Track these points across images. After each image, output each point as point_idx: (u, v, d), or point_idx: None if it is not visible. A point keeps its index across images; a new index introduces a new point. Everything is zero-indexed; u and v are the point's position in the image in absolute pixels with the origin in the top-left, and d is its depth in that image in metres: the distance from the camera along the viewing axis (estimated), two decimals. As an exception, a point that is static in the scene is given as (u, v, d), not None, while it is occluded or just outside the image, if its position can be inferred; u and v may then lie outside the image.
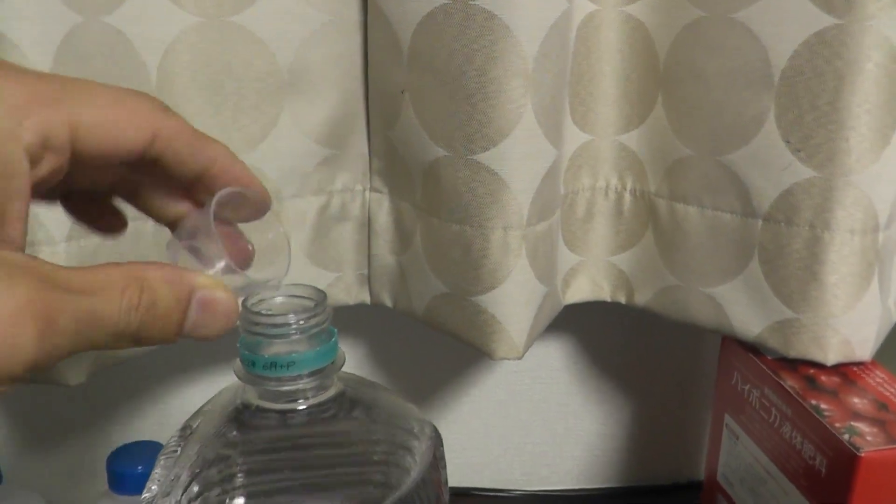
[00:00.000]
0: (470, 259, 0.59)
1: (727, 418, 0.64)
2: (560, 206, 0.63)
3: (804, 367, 0.59)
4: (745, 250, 0.59)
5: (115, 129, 0.35)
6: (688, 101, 0.59)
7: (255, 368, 0.37)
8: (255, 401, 0.39)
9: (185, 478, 0.37)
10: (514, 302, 0.59)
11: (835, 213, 0.55)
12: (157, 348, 0.61)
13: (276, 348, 0.37)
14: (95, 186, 0.39)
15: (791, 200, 0.56)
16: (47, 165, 0.33)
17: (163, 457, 0.40)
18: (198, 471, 0.37)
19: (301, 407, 0.39)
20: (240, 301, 0.36)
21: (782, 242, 0.57)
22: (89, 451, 0.75)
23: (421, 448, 0.40)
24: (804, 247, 0.56)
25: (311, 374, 0.38)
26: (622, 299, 0.67)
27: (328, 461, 0.39)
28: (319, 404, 0.39)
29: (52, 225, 0.54)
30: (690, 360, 0.79)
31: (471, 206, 0.57)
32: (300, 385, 0.38)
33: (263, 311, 0.38)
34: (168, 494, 0.37)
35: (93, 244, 0.56)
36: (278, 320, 0.37)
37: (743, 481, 0.62)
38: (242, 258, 0.39)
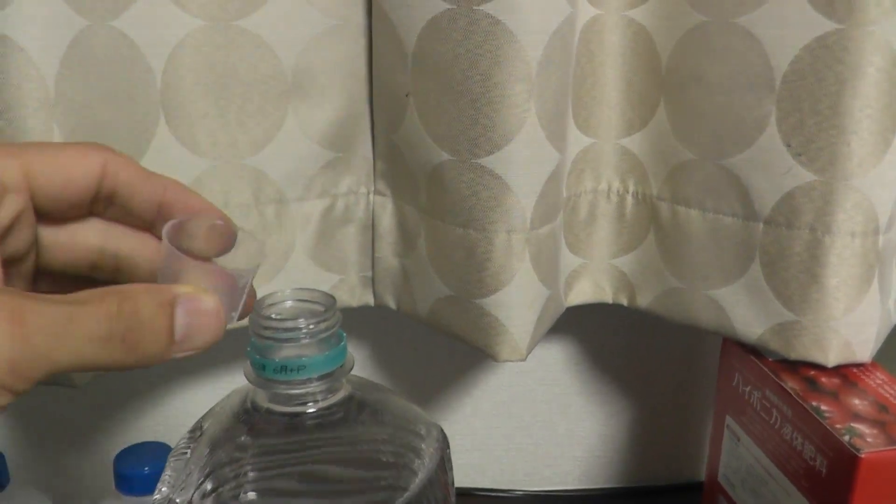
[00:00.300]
0: (473, 262, 0.59)
1: (728, 419, 0.64)
2: (563, 209, 0.63)
3: (805, 369, 0.59)
4: (747, 253, 0.59)
5: (66, 163, 0.36)
6: (690, 105, 0.60)
7: (266, 372, 0.38)
8: (265, 403, 0.39)
9: (197, 476, 0.38)
10: (518, 305, 0.60)
11: (836, 216, 0.56)
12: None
13: (287, 352, 0.38)
14: (77, 264, 0.39)
15: (792, 204, 0.56)
16: (9, 207, 0.34)
17: (172, 459, 0.40)
18: (210, 470, 0.38)
19: (311, 410, 0.39)
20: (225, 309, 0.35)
21: (783, 245, 0.58)
22: (95, 452, 0.75)
23: (429, 450, 0.40)
24: (805, 250, 0.57)
25: (321, 378, 0.38)
26: (624, 301, 0.68)
27: (337, 463, 0.39)
28: (328, 407, 0.39)
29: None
30: (691, 361, 0.79)
31: (474, 210, 0.58)
32: (310, 388, 0.38)
33: (274, 316, 0.38)
34: (181, 492, 0.37)
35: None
36: (289, 325, 0.37)
37: (744, 482, 0.62)
38: None
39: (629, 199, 0.65)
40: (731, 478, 0.64)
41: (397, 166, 0.63)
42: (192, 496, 0.37)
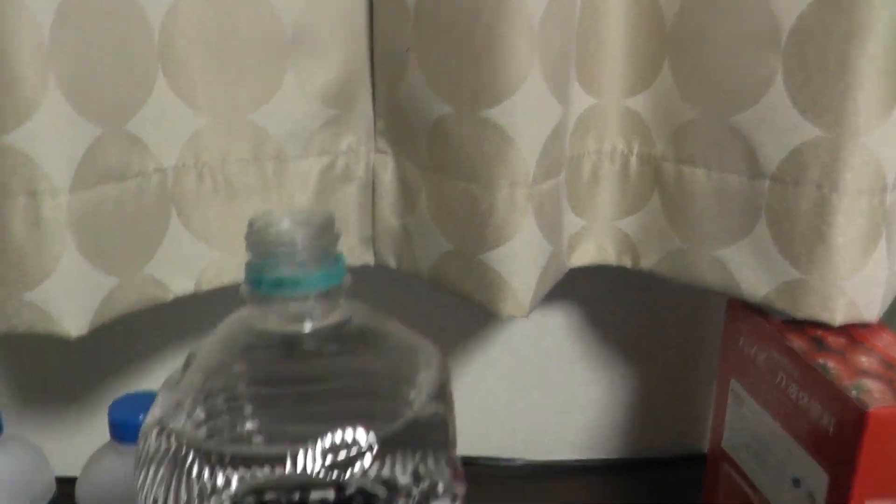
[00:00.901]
0: (476, 217, 0.58)
1: (732, 383, 0.63)
2: (565, 166, 0.62)
3: (811, 329, 0.58)
4: (753, 212, 0.59)
5: None
6: (695, 64, 0.59)
7: (262, 289, 0.37)
8: (261, 325, 0.38)
9: (189, 403, 0.37)
10: (521, 260, 0.59)
11: (843, 173, 0.55)
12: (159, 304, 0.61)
13: (283, 268, 0.37)
14: None
15: (799, 160, 0.56)
16: None
17: (166, 386, 0.39)
18: (202, 397, 0.37)
19: (307, 330, 0.38)
20: None
21: (790, 203, 0.57)
22: (90, 404, 0.75)
23: (427, 380, 0.39)
24: (812, 208, 0.56)
25: (319, 296, 0.37)
26: (628, 263, 0.67)
27: (333, 390, 0.38)
28: (326, 329, 0.38)
29: (56, 174, 0.53)
30: (695, 327, 0.78)
31: (477, 164, 0.57)
32: (307, 307, 0.37)
33: (271, 231, 0.37)
34: (173, 418, 0.37)
35: (97, 196, 0.55)
36: (286, 239, 0.36)
37: (748, 446, 0.62)
38: None
39: (633, 160, 0.65)
40: (736, 443, 0.64)
41: (398, 124, 0.62)
42: (185, 424, 0.36)
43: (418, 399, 0.38)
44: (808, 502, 0.54)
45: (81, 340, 0.58)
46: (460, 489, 0.40)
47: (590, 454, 0.82)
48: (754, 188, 0.58)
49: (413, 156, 0.62)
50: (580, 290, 0.76)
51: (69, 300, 0.55)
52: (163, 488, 0.36)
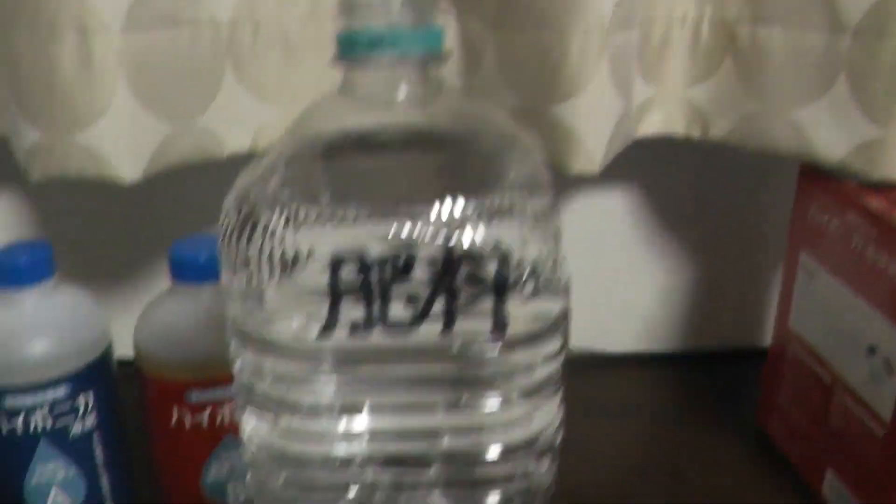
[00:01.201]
0: (547, 67, 0.56)
1: (803, 256, 0.61)
2: (638, 23, 0.60)
3: (887, 192, 0.56)
4: (832, 69, 0.57)
5: None
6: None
7: (356, 50, 0.34)
8: (353, 95, 0.36)
9: (278, 173, 0.34)
10: (593, 113, 0.58)
11: None
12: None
13: (380, 26, 0.34)
14: None
15: (883, 11, 0.54)
16: None
17: (247, 169, 0.37)
18: (292, 165, 0.34)
19: (402, 96, 0.35)
20: None
21: (872, 57, 0.55)
22: (145, 250, 0.73)
23: (527, 167, 0.37)
24: (895, 60, 0.54)
25: (415, 62, 0.35)
26: (697, 133, 0.65)
27: (429, 160, 0.36)
28: (423, 97, 0.36)
29: (107, 12, 0.51)
30: (758, 214, 0.76)
31: (549, 12, 0.55)
32: (403, 71, 0.35)
33: None
34: (260, 186, 0.34)
35: (149, 40, 0.54)
36: None
37: (818, 322, 0.60)
38: None
39: (704, 25, 0.62)
40: (804, 320, 0.61)
41: (463, -21, 0.60)
42: (274, 190, 0.34)
43: (522, 186, 0.36)
44: (885, 369, 0.52)
45: (136, 189, 0.56)
46: (568, 296, 0.37)
47: (649, 346, 0.80)
48: (834, 44, 0.56)
49: (478, 11, 0.60)
50: (639, 172, 0.74)
51: (122, 144, 0.54)
52: (254, 260, 0.34)
